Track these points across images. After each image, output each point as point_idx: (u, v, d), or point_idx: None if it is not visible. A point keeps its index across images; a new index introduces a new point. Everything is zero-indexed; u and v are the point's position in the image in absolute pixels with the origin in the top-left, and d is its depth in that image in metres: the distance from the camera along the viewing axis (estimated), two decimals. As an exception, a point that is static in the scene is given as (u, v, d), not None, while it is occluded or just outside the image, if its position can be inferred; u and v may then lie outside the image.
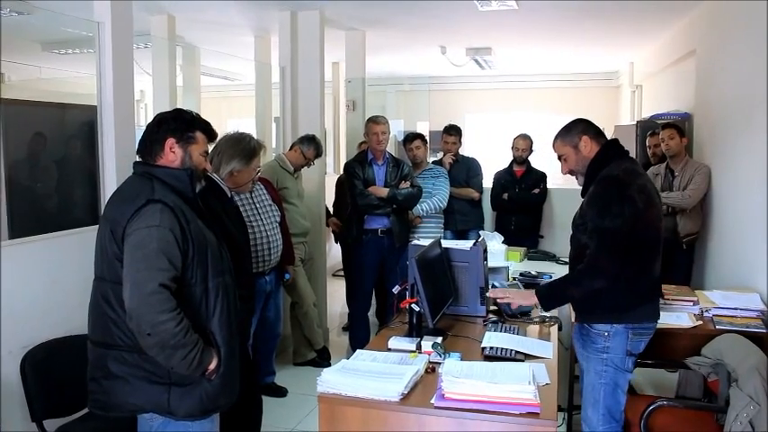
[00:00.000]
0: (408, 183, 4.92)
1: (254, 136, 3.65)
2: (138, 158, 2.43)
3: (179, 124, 2.40)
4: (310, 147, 4.92)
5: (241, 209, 3.88)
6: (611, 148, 2.84)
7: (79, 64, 7.17)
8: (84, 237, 3.16)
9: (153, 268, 2.15)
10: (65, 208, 3.58)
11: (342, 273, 7.52)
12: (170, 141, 2.36)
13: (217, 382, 2.31)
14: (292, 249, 4.53)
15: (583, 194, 2.86)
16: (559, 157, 2.92)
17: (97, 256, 2.34)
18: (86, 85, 3.64)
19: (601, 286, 2.66)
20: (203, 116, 2.55)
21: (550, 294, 2.84)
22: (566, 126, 2.92)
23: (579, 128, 2.86)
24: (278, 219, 4.15)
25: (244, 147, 3.42)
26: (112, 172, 3.44)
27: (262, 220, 3.97)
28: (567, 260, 2.98)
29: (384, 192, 4.80)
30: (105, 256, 2.29)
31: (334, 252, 8.41)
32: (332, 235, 6.13)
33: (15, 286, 2.94)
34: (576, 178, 2.92)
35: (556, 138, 2.93)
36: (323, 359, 5.07)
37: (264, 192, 4.15)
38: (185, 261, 2.24)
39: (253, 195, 4.02)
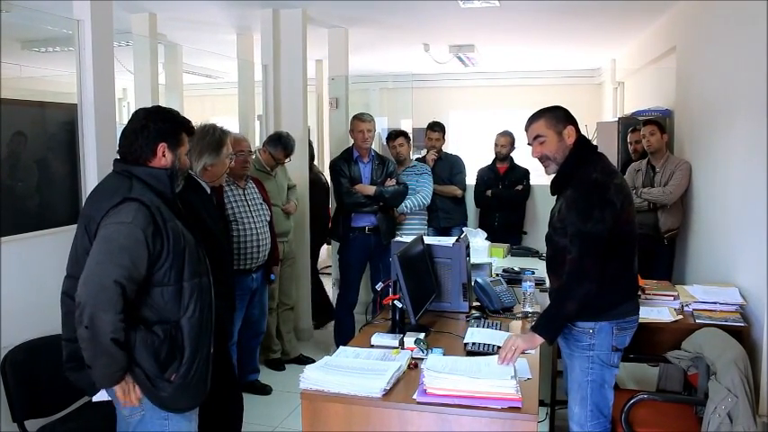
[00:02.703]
0: (394, 180, 4.93)
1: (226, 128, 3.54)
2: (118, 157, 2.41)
3: (168, 126, 2.37)
4: (277, 147, 4.82)
5: (234, 205, 3.90)
6: (586, 143, 2.79)
7: (60, 62, 7.11)
8: (63, 236, 3.13)
9: (112, 263, 2.14)
10: (46, 207, 3.55)
11: (327, 270, 7.55)
12: (162, 146, 2.34)
13: (178, 383, 2.28)
14: (278, 251, 4.53)
15: (553, 190, 2.80)
16: (535, 138, 2.74)
17: (70, 254, 2.34)
18: (67, 84, 3.61)
19: (590, 290, 2.58)
20: (186, 115, 2.54)
21: (549, 322, 2.63)
22: (549, 108, 2.78)
23: (565, 115, 2.75)
24: (268, 218, 4.17)
25: (209, 140, 3.33)
26: (93, 171, 3.43)
27: (253, 217, 3.99)
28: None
29: (371, 190, 4.80)
30: (76, 253, 2.29)
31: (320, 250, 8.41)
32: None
33: (-5, 286, 2.92)
34: (546, 165, 2.77)
35: (538, 116, 2.76)
36: (273, 367, 5.05)
37: (256, 190, 4.17)
38: (158, 260, 2.23)
39: (245, 193, 4.04)
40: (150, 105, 4.83)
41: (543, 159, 2.76)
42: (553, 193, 2.83)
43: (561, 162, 2.72)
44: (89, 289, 2.13)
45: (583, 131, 2.85)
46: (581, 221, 2.57)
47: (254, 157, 4.51)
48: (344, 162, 4.92)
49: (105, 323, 2.11)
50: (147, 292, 2.24)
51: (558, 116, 2.74)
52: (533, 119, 2.77)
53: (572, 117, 2.77)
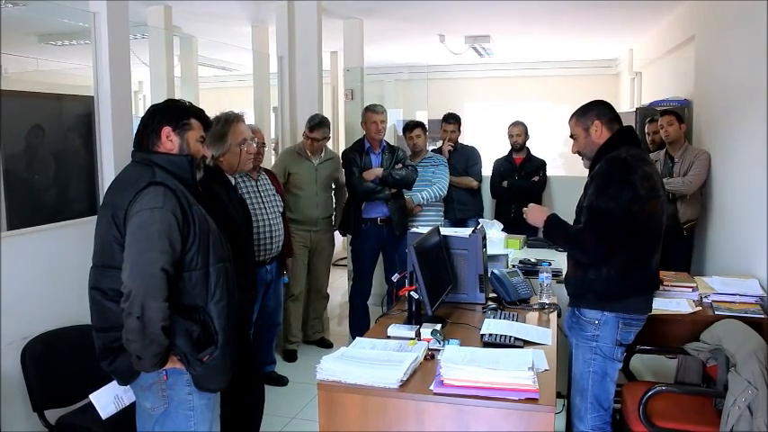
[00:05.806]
0: (401, 165, 4.91)
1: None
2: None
3: (173, 112, 2.41)
4: (307, 125, 4.92)
5: (247, 197, 3.90)
6: (622, 136, 2.82)
7: (76, 55, 7.15)
8: (82, 227, 3.16)
9: (155, 250, 2.16)
10: (63, 199, 3.58)
11: (342, 262, 7.56)
12: (166, 130, 2.37)
13: (210, 364, 2.31)
14: (291, 242, 4.53)
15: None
16: (571, 135, 2.92)
17: (95, 245, 2.35)
18: (84, 77, 3.63)
19: (580, 259, 2.71)
20: (201, 107, 2.55)
21: (555, 226, 2.86)
22: (583, 106, 2.90)
23: (595, 111, 2.84)
24: (281, 209, 4.17)
25: (213, 132, 3.15)
26: (110, 163, 3.45)
27: (266, 208, 4.00)
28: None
29: (379, 171, 4.79)
30: (102, 243, 2.29)
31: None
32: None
33: (14, 277, 2.95)
34: (582, 159, 2.91)
35: (572, 116, 2.92)
36: (289, 358, 5.08)
37: (269, 182, 4.18)
38: (186, 244, 2.25)
39: (258, 184, 4.05)
40: (166, 98, 4.84)
41: (579, 155, 2.92)
42: None
43: (591, 156, 2.84)
44: (138, 279, 2.14)
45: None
46: (595, 195, 2.65)
47: (266, 149, 4.53)
48: (356, 153, 4.93)
49: (156, 311, 2.14)
50: (179, 276, 2.26)
51: (586, 113, 2.86)
52: (570, 119, 2.93)
53: (603, 112, 2.84)
